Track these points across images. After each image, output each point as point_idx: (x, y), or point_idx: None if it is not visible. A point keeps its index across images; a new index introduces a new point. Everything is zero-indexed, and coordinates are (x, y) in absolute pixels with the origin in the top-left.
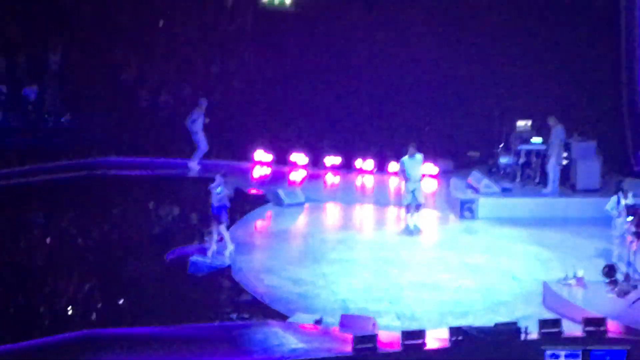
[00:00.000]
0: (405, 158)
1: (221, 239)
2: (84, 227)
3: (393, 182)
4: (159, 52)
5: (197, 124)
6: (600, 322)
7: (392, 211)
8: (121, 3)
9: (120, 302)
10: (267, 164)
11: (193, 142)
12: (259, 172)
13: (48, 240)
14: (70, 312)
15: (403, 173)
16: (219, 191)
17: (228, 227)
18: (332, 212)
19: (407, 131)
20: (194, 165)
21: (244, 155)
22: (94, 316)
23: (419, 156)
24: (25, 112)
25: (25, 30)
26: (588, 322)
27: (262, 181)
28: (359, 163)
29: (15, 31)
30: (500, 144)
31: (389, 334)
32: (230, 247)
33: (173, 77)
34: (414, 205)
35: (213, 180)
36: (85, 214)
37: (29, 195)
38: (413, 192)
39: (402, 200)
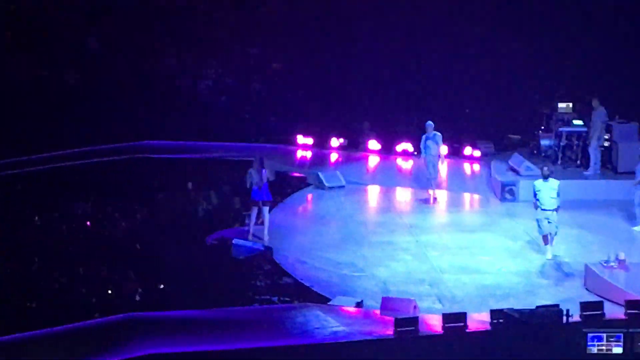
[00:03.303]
0: (539, 181)
1: (260, 222)
2: (126, 210)
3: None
4: (199, 37)
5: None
6: None
7: (432, 194)
8: None
9: (163, 285)
10: (309, 147)
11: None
12: (300, 155)
13: (90, 223)
14: (113, 296)
15: (535, 197)
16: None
17: (270, 210)
18: (372, 194)
19: (448, 114)
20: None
21: (285, 138)
22: (137, 299)
23: (555, 181)
24: (67, 97)
25: (66, 15)
26: (630, 304)
27: (303, 164)
28: (400, 146)
29: (55, 16)
30: (541, 126)
31: (430, 316)
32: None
33: (213, 62)
34: (551, 235)
35: (250, 163)
36: (127, 197)
37: (72, 178)
38: (548, 220)
39: (537, 230)
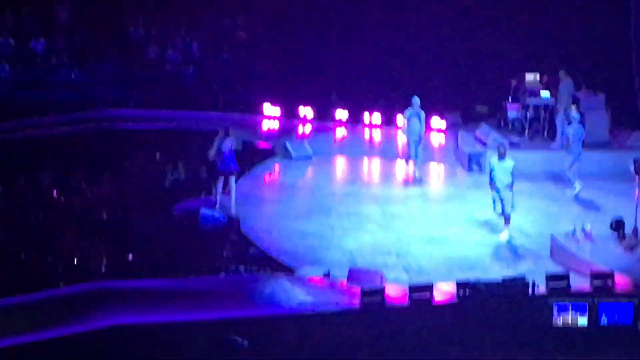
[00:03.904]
0: (494, 159)
1: (227, 192)
2: (92, 180)
3: (400, 136)
4: (167, 6)
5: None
6: (607, 275)
7: (399, 165)
8: None
9: (129, 255)
10: (275, 117)
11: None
12: (267, 125)
13: (55, 193)
14: (79, 265)
15: (490, 174)
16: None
17: (236, 180)
18: (340, 165)
19: (415, 84)
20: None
21: (252, 108)
22: (103, 269)
23: (510, 161)
24: (33, 65)
25: None
26: (596, 275)
27: (270, 134)
28: (367, 116)
29: None
30: (508, 98)
31: (396, 287)
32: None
33: (180, 31)
34: (503, 217)
35: (216, 133)
36: (92, 167)
37: (36, 148)
38: (502, 201)
39: (494, 208)
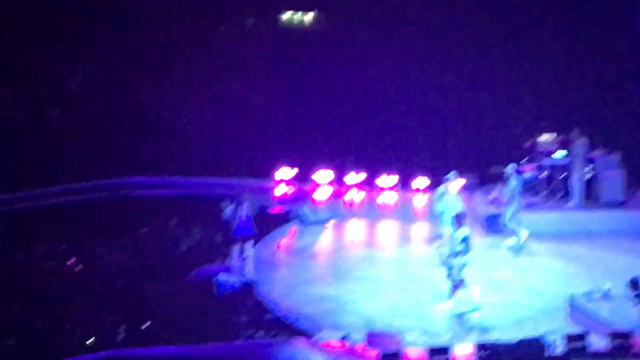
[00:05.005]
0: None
1: (243, 258)
2: (108, 248)
3: (417, 199)
4: (180, 73)
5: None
6: (626, 336)
7: (416, 228)
8: (141, 26)
9: (145, 322)
10: (291, 182)
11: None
12: (282, 190)
13: (72, 261)
14: (96, 333)
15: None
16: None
17: (253, 245)
18: (356, 229)
19: (430, 147)
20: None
21: (268, 173)
22: (119, 337)
23: (465, 229)
24: (47, 135)
25: (46, 54)
26: (615, 335)
27: (286, 199)
28: (382, 180)
29: (36, 55)
30: (525, 158)
31: (415, 350)
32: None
33: (194, 97)
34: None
35: (232, 199)
36: (110, 234)
37: (51, 216)
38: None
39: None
